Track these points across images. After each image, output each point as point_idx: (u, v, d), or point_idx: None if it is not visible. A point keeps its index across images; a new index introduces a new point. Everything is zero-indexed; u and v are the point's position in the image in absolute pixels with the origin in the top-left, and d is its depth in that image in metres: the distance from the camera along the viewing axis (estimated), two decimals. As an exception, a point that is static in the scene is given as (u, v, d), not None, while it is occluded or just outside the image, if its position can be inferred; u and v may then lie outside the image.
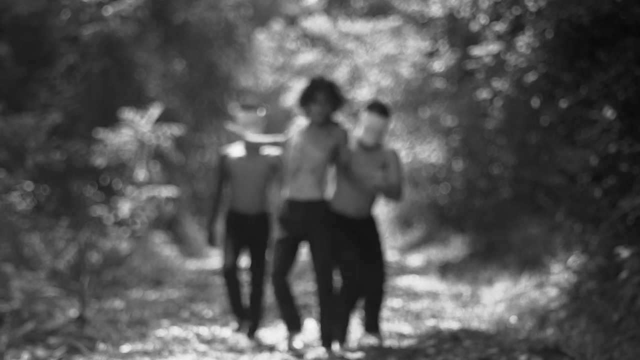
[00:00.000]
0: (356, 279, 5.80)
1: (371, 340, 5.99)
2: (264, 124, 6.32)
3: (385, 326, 6.87)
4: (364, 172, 5.77)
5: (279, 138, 5.96)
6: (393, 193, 5.88)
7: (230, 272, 6.20)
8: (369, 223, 5.98)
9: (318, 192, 5.60)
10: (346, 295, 5.84)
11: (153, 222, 11.18)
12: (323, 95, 5.55)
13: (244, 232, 6.24)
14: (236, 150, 6.32)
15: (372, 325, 5.98)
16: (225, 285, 6.27)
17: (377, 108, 5.89)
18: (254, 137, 6.13)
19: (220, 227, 6.71)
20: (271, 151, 6.29)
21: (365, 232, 5.94)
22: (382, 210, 21.51)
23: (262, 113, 6.28)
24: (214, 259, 13.90)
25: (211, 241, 6.39)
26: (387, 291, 5.78)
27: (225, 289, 6.29)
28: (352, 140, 5.85)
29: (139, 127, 10.86)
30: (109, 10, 11.76)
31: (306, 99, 5.60)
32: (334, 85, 5.61)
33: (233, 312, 6.35)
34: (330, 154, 5.61)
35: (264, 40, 16.94)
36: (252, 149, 6.24)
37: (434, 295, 8.96)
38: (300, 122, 5.76)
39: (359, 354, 5.68)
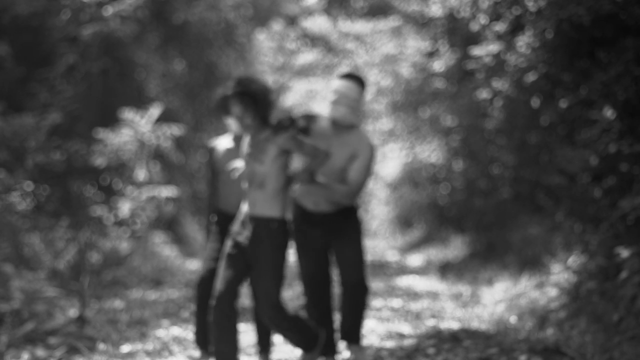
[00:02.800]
0: (319, 293, 5.17)
1: (348, 353, 5.23)
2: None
3: (385, 326, 6.87)
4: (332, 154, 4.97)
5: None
6: (341, 192, 5.00)
7: (204, 284, 5.30)
8: (336, 218, 5.14)
9: (268, 209, 4.71)
10: (315, 314, 5.18)
11: (153, 222, 11.18)
12: (238, 107, 4.67)
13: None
14: (224, 142, 5.62)
15: (349, 333, 5.21)
16: (196, 299, 5.34)
17: (351, 76, 5.13)
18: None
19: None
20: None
21: (332, 228, 5.14)
22: (382, 210, 21.54)
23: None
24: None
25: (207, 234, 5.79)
26: (369, 292, 5.19)
27: (195, 305, 5.36)
28: (321, 123, 5.09)
29: (139, 127, 10.86)
30: (109, 10, 11.76)
31: (223, 112, 4.84)
32: (247, 93, 4.65)
33: (196, 338, 5.40)
34: (277, 165, 4.72)
35: (264, 40, 16.96)
36: (239, 140, 5.53)
37: (434, 295, 8.96)
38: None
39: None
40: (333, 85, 5.12)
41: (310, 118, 5.08)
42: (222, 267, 4.74)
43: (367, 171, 4.99)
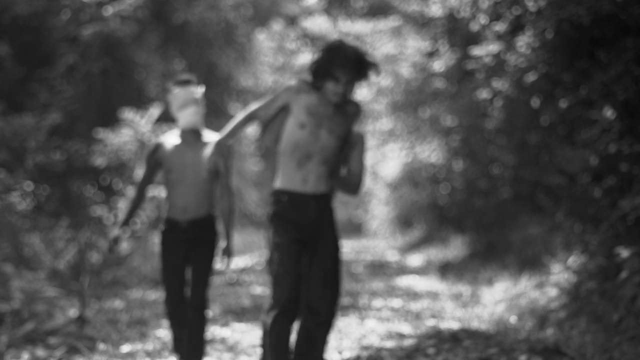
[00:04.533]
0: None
1: None
2: (204, 104, 5.11)
3: (385, 326, 6.86)
4: None
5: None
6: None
7: (177, 306, 5.02)
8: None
9: (326, 185, 4.23)
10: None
11: (153, 222, 11.18)
12: (345, 73, 4.13)
13: (186, 245, 4.97)
14: (172, 139, 5.05)
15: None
16: (171, 323, 5.08)
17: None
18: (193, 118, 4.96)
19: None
20: (215, 136, 4.95)
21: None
22: (382, 210, 21.52)
23: (202, 89, 5.10)
24: (214, 259, 13.89)
25: (111, 247, 5.05)
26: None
27: (171, 327, 5.12)
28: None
29: (139, 127, 10.86)
30: (109, 10, 11.77)
31: (322, 74, 4.17)
32: (362, 59, 4.17)
33: (174, 346, 5.15)
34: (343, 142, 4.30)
35: (264, 40, 16.97)
36: (191, 135, 5.00)
37: (434, 295, 8.96)
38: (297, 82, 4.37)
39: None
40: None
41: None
42: (280, 266, 4.10)
43: (364, 161, 4.55)
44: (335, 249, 4.20)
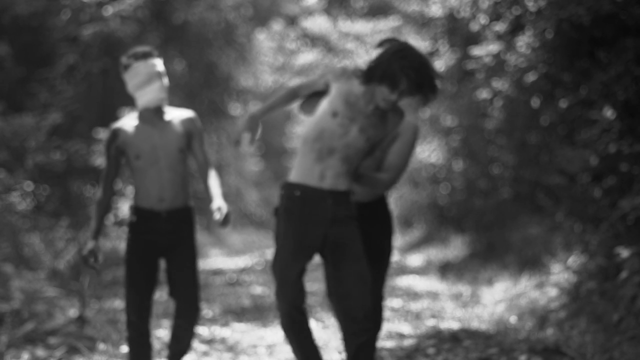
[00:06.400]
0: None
1: None
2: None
3: (385, 326, 6.86)
4: None
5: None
6: (383, 183, 4.03)
7: (144, 318, 4.38)
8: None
9: (346, 182, 3.81)
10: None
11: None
12: (406, 82, 3.66)
13: (158, 240, 4.40)
14: (131, 122, 4.44)
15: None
16: (132, 345, 4.41)
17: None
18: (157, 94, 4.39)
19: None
20: (181, 113, 4.49)
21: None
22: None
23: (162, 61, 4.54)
24: (214, 259, 13.91)
25: (87, 261, 4.35)
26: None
27: (132, 351, 4.43)
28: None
29: (139, 127, 10.84)
30: (109, 10, 11.76)
31: (380, 75, 3.68)
32: (429, 72, 3.67)
33: None
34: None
35: (264, 40, 16.97)
36: (154, 114, 4.43)
37: (434, 295, 8.96)
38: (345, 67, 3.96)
39: None
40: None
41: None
42: (284, 261, 3.73)
43: (409, 155, 4.10)
44: (360, 249, 3.74)
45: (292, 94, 3.88)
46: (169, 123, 4.41)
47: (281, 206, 3.76)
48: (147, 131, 4.38)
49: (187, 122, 4.45)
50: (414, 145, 4.11)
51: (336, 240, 3.72)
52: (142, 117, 4.41)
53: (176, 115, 4.45)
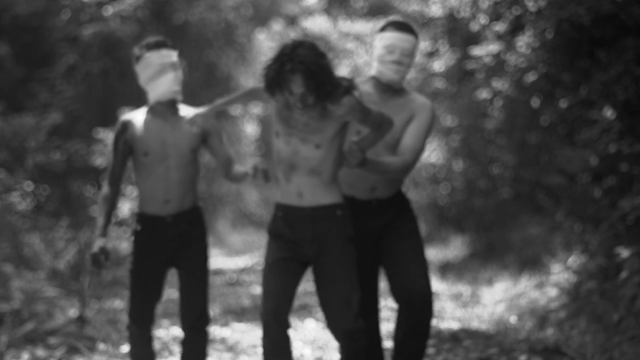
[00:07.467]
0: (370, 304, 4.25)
1: None
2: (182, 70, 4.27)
3: (385, 326, 6.86)
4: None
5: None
6: (396, 167, 3.81)
7: (147, 326, 4.17)
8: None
9: (328, 196, 3.68)
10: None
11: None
12: (301, 87, 3.46)
13: (165, 247, 4.11)
14: (142, 117, 4.13)
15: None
16: (134, 352, 4.20)
17: (398, 24, 3.96)
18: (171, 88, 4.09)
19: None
20: (196, 110, 4.03)
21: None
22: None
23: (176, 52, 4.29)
24: (215, 259, 13.89)
25: (98, 259, 3.93)
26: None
27: (133, 351, 4.22)
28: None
29: (139, 127, 10.84)
30: (109, 10, 11.77)
31: (273, 85, 3.52)
32: (316, 67, 3.45)
33: None
34: (335, 145, 3.67)
35: (264, 40, 16.97)
36: (168, 108, 4.12)
37: (433, 295, 8.95)
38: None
39: None
40: (382, 38, 3.97)
41: (349, 81, 3.64)
42: (270, 277, 3.65)
43: (425, 136, 3.89)
44: (343, 269, 3.63)
45: (251, 94, 3.80)
46: (182, 119, 3.99)
47: (269, 226, 3.73)
48: (158, 126, 4.06)
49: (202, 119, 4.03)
50: (430, 126, 3.92)
51: (317, 259, 3.65)
52: (153, 111, 4.09)
53: (191, 112, 3.99)
